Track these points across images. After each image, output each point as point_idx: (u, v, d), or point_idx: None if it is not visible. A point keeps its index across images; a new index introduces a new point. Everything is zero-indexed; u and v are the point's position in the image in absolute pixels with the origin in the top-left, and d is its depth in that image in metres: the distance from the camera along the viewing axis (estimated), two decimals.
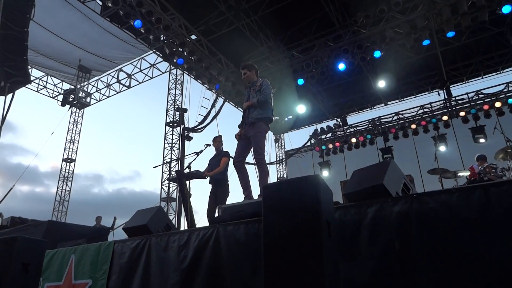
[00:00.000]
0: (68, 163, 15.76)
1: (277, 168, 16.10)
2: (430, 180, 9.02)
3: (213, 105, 11.39)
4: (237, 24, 9.94)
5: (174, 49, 9.57)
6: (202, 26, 10.18)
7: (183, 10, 9.52)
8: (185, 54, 9.77)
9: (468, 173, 7.29)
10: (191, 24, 9.81)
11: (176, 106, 13.18)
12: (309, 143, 14.82)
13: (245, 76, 4.69)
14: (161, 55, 10.77)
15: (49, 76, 15.38)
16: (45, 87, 15.48)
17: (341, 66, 10.09)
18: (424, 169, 10.01)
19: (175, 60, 9.79)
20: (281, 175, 15.86)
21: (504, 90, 11.63)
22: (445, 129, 12.08)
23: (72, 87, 15.49)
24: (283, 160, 16.03)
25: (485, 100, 11.78)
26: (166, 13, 8.99)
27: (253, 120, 4.48)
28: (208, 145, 6.23)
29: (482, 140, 10.72)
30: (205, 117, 11.29)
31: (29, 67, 13.23)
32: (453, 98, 12.37)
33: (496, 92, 11.73)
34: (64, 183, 15.49)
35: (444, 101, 12.51)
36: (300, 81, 10.80)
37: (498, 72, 11.94)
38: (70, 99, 15.40)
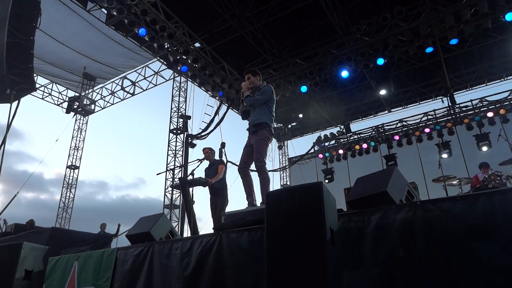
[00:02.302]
0: (72, 170, 15.82)
1: (280, 175, 16.08)
2: (434, 188, 8.96)
3: (216, 112, 11.43)
4: (240, 32, 10.01)
5: (178, 57, 9.64)
6: (206, 34, 10.27)
7: (187, 18, 9.61)
8: (189, 61, 9.84)
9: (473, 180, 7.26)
10: (195, 32, 9.90)
11: (180, 113, 13.24)
12: (312, 150, 14.81)
13: (249, 81, 4.66)
14: (165, 62, 10.84)
15: (54, 84, 15.52)
16: (50, 94, 15.62)
17: (344, 74, 10.10)
18: (428, 176, 9.97)
19: (179, 68, 9.87)
20: (285, 182, 15.82)
21: (509, 97, 11.59)
22: (449, 136, 12.03)
23: (77, 94, 15.61)
24: (287, 167, 16.01)
25: (489, 107, 11.75)
26: (170, 21, 9.08)
27: (253, 128, 4.48)
28: (201, 160, 6.34)
29: (486, 148, 10.65)
30: (209, 124, 11.33)
31: (35, 74, 13.40)
32: (457, 105, 12.34)
33: (501, 99, 11.70)
34: (68, 190, 15.54)
35: (448, 108, 12.48)
36: (304, 88, 10.82)
37: (502, 79, 11.91)
38: (75, 106, 15.50)
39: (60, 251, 5.34)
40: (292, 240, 2.29)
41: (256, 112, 4.52)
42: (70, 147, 16.05)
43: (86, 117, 16.64)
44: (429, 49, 9.10)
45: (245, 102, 4.51)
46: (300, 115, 13.29)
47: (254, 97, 4.48)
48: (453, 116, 12.26)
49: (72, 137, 16.20)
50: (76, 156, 16.00)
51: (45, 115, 42.87)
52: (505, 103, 11.55)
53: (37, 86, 14.63)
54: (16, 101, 5.59)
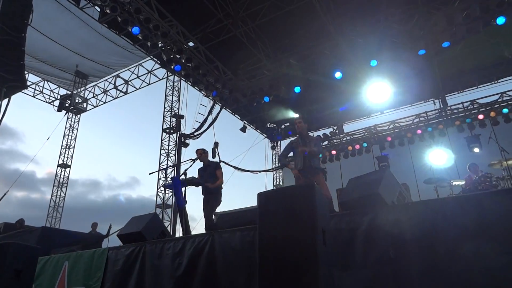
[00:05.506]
0: (63, 169, 15.66)
1: (273, 176, 16.09)
2: (425, 189, 9.05)
3: (210, 112, 11.42)
4: (234, 32, 10.00)
5: (172, 56, 9.60)
6: (200, 34, 10.23)
7: (181, 17, 9.56)
8: (183, 61, 9.79)
9: (463, 182, 7.35)
10: (188, 31, 9.86)
11: (173, 113, 13.18)
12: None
13: (299, 125, 5.55)
14: (158, 61, 10.79)
15: (45, 81, 15.35)
16: (41, 92, 15.43)
17: (338, 75, 10.15)
18: (419, 178, 10.05)
19: (172, 67, 9.82)
20: (277, 183, 15.84)
21: (499, 100, 11.75)
22: (441, 137, 12.15)
23: (69, 92, 15.45)
24: (280, 167, 16.02)
25: (480, 109, 11.89)
26: (164, 20, 9.03)
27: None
28: (194, 159, 6.29)
29: (476, 150, 10.77)
30: (202, 124, 11.30)
31: (26, 72, 13.21)
32: (449, 107, 12.47)
33: (491, 102, 11.85)
34: (59, 188, 15.37)
35: (439, 110, 12.60)
36: (297, 89, 10.84)
37: (493, 82, 12.04)
38: (67, 105, 15.34)
39: (51, 250, 5.29)
40: (284, 240, 2.29)
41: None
42: (62, 146, 15.90)
43: (78, 116, 16.49)
44: (421, 52, 9.17)
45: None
46: (295, 115, 13.30)
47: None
48: (445, 118, 12.38)
49: (64, 136, 16.04)
50: (68, 154, 15.84)
51: (37, 113, 42.41)
52: (495, 106, 11.70)
53: (28, 83, 14.46)
54: (7, 99, 5.52)
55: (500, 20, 8.04)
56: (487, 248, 2.36)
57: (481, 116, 11.61)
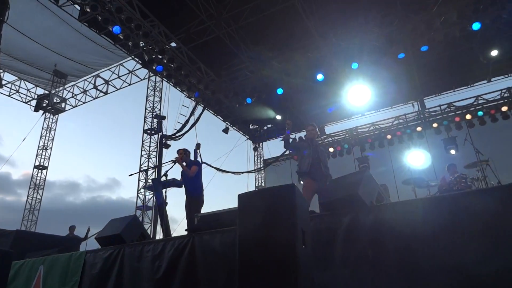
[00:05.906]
0: (39, 170, 15.24)
1: (255, 177, 16.10)
2: (404, 189, 9.23)
3: (192, 113, 11.33)
4: (217, 33, 9.97)
5: (154, 56, 9.49)
6: (182, 34, 10.15)
7: (163, 17, 9.47)
8: (165, 61, 9.70)
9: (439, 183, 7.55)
10: (171, 32, 9.77)
11: (155, 113, 13.03)
12: (287, 152, 14.90)
13: (312, 132, 5.64)
14: (140, 61, 10.65)
15: (22, 81, 14.91)
16: (17, 91, 14.98)
17: (320, 77, 10.26)
18: (398, 178, 10.27)
19: (154, 67, 9.71)
20: (260, 184, 15.86)
21: (474, 103, 12.13)
22: (419, 139, 12.45)
23: (46, 92, 15.06)
24: (262, 168, 16.05)
25: (457, 112, 12.25)
26: (146, 20, 8.92)
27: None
28: (175, 161, 6.18)
29: (453, 151, 11.07)
30: (184, 125, 11.21)
31: (1, 71, 12.82)
32: (427, 110, 12.78)
33: (467, 105, 12.23)
34: (35, 191, 14.95)
35: (418, 113, 12.91)
36: (280, 91, 10.90)
37: (469, 86, 12.41)
38: (44, 105, 14.95)
39: (25, 254, 5.14)
40: (264, 241, 2.29)
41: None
42: (38, 147, 15.48)
43: (56, 116, 16.08)
44: (401, 55, 9.38)
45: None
46: (278, 117, 13.37)
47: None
48: (423, 120, 12.68)
49: (41, 136, 15.62)
50: (45, 156, 15.43)
51: (13, 113, 41.24)
52: (471, 109, 12.08)
53: (4, 82, 14.04)
54: None
55: (476, 26, 8.32)
56: (462, 246, 2.42)
57: (457, 119, 11.97)
